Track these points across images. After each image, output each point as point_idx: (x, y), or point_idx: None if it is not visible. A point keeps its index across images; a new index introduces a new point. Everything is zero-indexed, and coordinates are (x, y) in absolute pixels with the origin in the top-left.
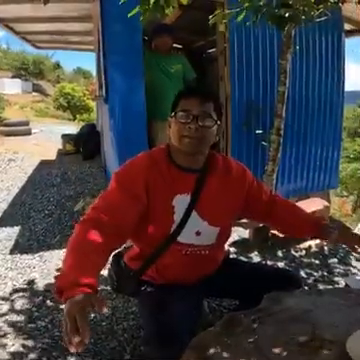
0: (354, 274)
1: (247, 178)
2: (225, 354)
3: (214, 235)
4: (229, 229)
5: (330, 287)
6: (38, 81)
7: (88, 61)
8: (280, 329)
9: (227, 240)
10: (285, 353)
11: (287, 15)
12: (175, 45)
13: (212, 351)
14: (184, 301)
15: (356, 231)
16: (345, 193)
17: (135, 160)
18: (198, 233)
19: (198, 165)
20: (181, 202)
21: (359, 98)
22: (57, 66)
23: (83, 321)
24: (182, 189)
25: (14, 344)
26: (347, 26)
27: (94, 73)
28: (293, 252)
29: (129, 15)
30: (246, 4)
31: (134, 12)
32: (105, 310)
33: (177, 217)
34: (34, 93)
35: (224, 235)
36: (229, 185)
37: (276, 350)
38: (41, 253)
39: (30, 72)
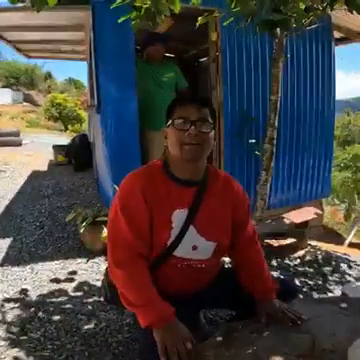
0: (349, 282)
1: (245, 202)
2: None
3: (211, 250)
4: (226, 244)
5: (325, 295)
6: (29, 91)
7: (80, 72)
8: (279, 340)
9: (224, 254)
10: None
11: (277, 20)
12: (167, 54)
13: None
14: (180, 313)
15: (348, 240)
16: (337, 201)
17: (131, 181)
18: (195, 247)
19: (197, 177)
20: (179, 217)
21: (347, 107)
22: (48, 76)
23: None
24: (180, 204)
25: (5, 357)
26: (337, 34)
27: (86, 83)
28: (288, 261)
29: (119, 21)
30: (236, 9)
31: (125, 18)
32: None
33: (174, 232)
34: (25, 103)
35: (221, 249)
36: (228, 201)
37: None
38: (32, 265)
39: (21, 82)
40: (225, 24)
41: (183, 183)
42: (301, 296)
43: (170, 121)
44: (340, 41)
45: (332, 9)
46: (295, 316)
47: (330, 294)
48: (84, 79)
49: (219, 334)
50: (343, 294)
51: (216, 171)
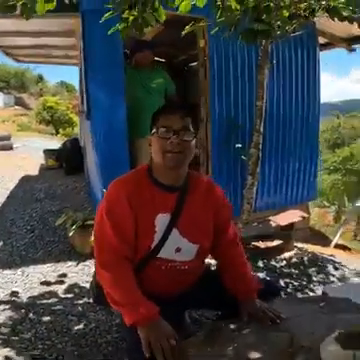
0: (332, 282)
1: (226, 205)
2: None
3: (194, 251)
4: (208, 246)
5: (306, 295)
6: (20, 94)
7: (72, 75)
8: (259, 338)
9: (207, 255)
10: None
11: (259, 30)
12: (158, 59)
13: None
14: (164, 312)
15: (334, 242)
16: (327, 204)
17: (117, 187)
18: (178, 249)
19: (179, 182)
20: (162, 221)
21: (336, 110)
22: (40, 79)
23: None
24: (163, 208)
25: None
26: (321, 40)
27: (77, 87)
28: (274, 262)
29: (109, 33)
30: (221, 19)
31: (113, 30)
32: None
33: (158, 234)
34: (16, 106)
35: (203, 251)
36: (210, 205)
37: (255, 357)
38: (23, 268)
39: (12, 85)
40: (212, 33)
41: (166, 188)
42: (284, 296)
43: (154, 129)
44: (325, 46)
45: (314, 16)
46: (275, 315)
47: (313, 294)
48: (76, 82)
49: (202, 332)
50: (323, 294)
51: (198, 177)
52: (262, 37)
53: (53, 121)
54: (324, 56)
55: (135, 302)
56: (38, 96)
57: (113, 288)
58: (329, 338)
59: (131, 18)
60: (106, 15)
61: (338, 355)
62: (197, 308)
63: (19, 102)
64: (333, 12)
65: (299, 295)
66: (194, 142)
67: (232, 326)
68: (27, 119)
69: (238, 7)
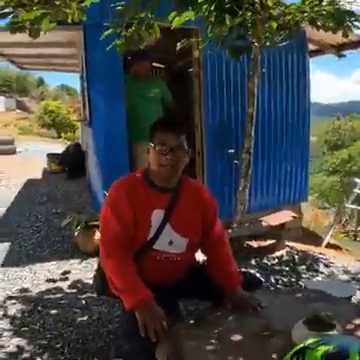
0: (318, 278)
1: (213, 206)
2: (194, 343)
3: (184, 244)
4: (197, 240)
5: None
6: (21, 98)
7: (72, 78)
8: (240, 323)
9: (197, 249)
10: (242, 341)
11: (243, 47)
12: (157, 65)
13: (183, 341)
14: (160, 300)
15: (326, 241)
16: (327, 205)
17: (118, 186)
18: (171, 242)
19: (172, 184)
20: (157, 216)
21: (337, 111)
22: (41, 83)
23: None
24: (158, 205)
25: (9, 345)
26: (311, 46)
27: (78, 90)
28: (266, 261)
29: (107, 49)
30: (210, 34)
31: (112, 46)
32: None
33: (153, 228)
34: (18, 110)
35: (192, 245)
36: (198, 205)
37: (235, 339)
38: (31, 266)
39: (13, 89)
40: (200, 48)
41: (160, 189)
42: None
43: (152, 143)
44: (315, 53)
45: (299, 28)
46: (255, 303)
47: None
48: (76, 85)
49: (192, 318)
50: (304, 288)
51: (189, 180)
52: (245, 52)
53: (55, 125)
54: (326, 58)
55: (134, 288)
56: (39, 100)
57: (115, 274)
58: (299, 322)
59: (128, 35)
60: (105, 33)
61: (306, 336)
62: (188, 297)
63: (20, 106)
64: (315, 24)
65: None
66: (186, 156)
67: (217, 313)
68: (28, 123)
69: (228, 23)
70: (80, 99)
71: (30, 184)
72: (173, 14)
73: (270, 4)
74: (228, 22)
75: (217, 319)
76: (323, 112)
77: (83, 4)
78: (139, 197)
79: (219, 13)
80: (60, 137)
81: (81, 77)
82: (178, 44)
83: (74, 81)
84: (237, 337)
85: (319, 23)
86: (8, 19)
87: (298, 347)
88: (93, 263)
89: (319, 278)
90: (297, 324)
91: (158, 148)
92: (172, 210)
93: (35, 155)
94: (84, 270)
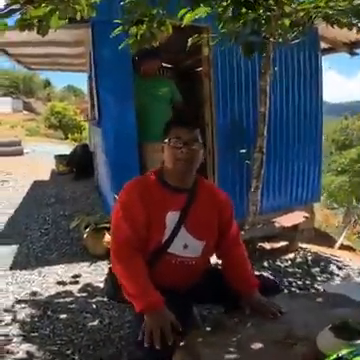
0: (335, 280)
1: (229, 207)
2: (212, 351)
3: (200, 248)
4: (213, 243)
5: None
6: (28, 99)
7: (79, 79)
8: (260, 329)
9: (212, 253)
10: (264, 349)
11: (257, 44)
12: (165, 65)
13: (200, 349)
14: (174, 305)
15: (339, 242)
16: (335, 205)
17: (130, 188)
18: (186, 246)
19: (187, 185)
20: (172, 218)
21: (345, 111)
22: (47, 84)
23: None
24: (173, 207)
25: (19, 351)
26: (324, 44)
27: (85, 91)
28: (279, 262)
29: (120, 47)
30: (223, 30)
31: (124, 45)
32: None
33: (168, 231)
34: (25, 111)
35: (208, 249)
36: (214, 207)
37: (256, 347)
38: (40, 269)
39: (20, 90)
40: (212, 44)
41: (175, 190)
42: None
43: (167, 139)
44: (327, 51)
45: (313, 24)
46: (275, 308)
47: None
48: (83, 86)
49: (208, 324)
50: (324, 291)
51: (204, 181)
52: (258, 49)
53: (61, 126)
54: (334, 57)
55: (144, 291)
56: (46, 101)
57: (125, 279)
58: (325, 329)
59: (139, 33)
60: (115, 31)
61: (333, 343)
62: (202, 302)
63: (27, 107)
64: (329, 20)
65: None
66: (202, 151)
67: (235, 319)
68: (35, 124)
69: (243, 18)
70: (87, 99)
71: (37, 185)
72: (183, 11)
73: (285, 0)
74: (243, 17)
75: (235, 325)
76: (331, 111)
77: (92, 0)
78: (153, 198)
79: (236, 7)
80: (67, 138)
81: (89, 76)
82: (189, 40)
83: (81, 82)
84: (257, 345)
85: (334, 19)
86: (15, 17)
87: (332, 358)
88: (103, 266)
89: (337, 281)
90: (323, 331)
91: (173, 142)
92: (188, 212)
93: (42, 156)
94: (94, 273)
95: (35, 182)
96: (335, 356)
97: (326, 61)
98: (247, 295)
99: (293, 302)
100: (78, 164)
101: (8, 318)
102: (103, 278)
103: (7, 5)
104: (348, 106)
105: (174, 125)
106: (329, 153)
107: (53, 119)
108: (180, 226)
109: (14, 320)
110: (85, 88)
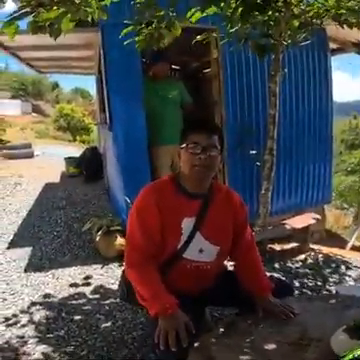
0: (347, 282)
1: (243, 210)
2: (226, 353)
3: (215, 253)
4: (228, 248)
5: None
6: (37, 101)
7: (86, 81)
8: (273, 331)
9: (227, 256)
10: (278, 351)
11: (267, 45)
12: (173, 66)
13: (214, 351)
14: (188, 309)
15: (351, 244)
16: (345, 206)
17: (146, 194)
18: (201, 251)
19: (203, 190)
20: (187, 224)
21: (353, 109)
22: (55, 86)
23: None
24: (189, 213)
25: (35, 353)
26: (333, 45)
27: (93, 93)
28: (290, 264)
29: (125, 43)
30: (232, 31)
31: (129, 41)
32: None
33: (184, 237)
34: (34, 114)
35: (223, 253)
36: (229, 211)
37: (269, 348)
38: (53, 271)
39: (29, 92)
40: (221, 44)
41: (191, 195)
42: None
43: (184, 144)
44: (336, 51)
45: (322, 24)
46: (288, 310)
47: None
48: (90, 88)
49: (221, 326)
50: (336, 293)
51: (219, 185)
52: (270, 51)
53: (70, 128)
54: (342, 57)
55: (157, 295)
56: (54, 103)
57: (140, 285)
58: (339, 330)
59: (148, 33)
60: (124, 31)
61: (348, 345)
62: (216, 305)
63: (36, 109)
64: (338, 19)
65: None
66: (219, 157)
67: (249, 321)
68: (44, 126)
69: (253, 20)
70: (95, 102)
71: (48, 188)
72: (192, 11)
73: (294, 1)
74: (253, 19)
75: (249, 327)
76: (339, 110)
77: (103, 3)
78: (168, 204)
79: (247, 10)
80: (75, 140)
81: (98, 79)
82: (198, 37)
83: (88, 84)
84: (271, 346)
85: (344, 19)
86: (26, 20)
87: (347, 359)
88: (114, 268)
89: (349, 282)
90: (337, 332)
91: (191, 147)
92: (203, 217)
93: (52, 158)
94: (106, 275)
95: (46, 185)
96: (351, 356)
97: (335, 61)
98: (260, 297)
99: (306, 304)
100: (88, 167)
101: (24, 319)
102: (115, 280)
103: (19, 8)
104: (356, 105)
105: (192, 130)
106: (338, 153)
107: (62, 121)
108: (196, 232)
109: (30, 321)
110: (92, 90)
